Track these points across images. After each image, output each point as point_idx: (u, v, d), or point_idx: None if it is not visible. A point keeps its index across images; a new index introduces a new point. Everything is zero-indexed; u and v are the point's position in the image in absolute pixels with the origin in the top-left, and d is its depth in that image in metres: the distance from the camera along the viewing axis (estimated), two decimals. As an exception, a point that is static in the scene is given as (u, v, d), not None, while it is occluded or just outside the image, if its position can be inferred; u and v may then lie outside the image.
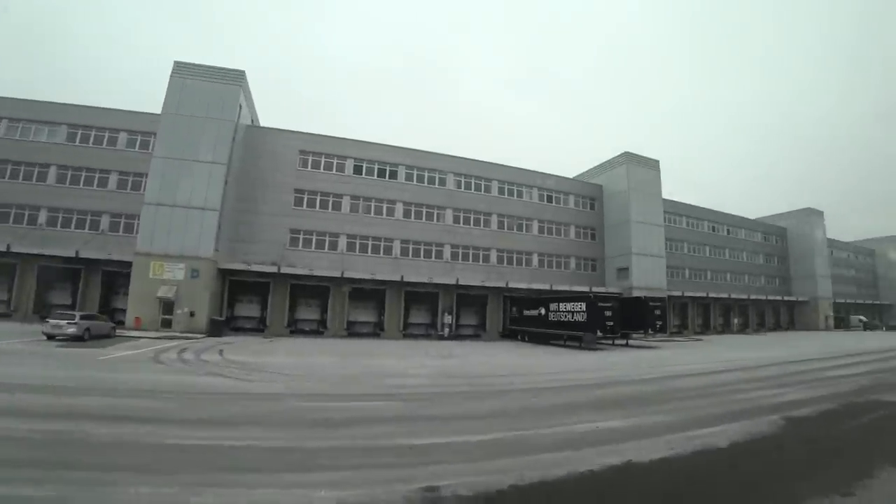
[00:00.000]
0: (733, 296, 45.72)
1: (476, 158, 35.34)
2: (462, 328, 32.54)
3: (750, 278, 52.05)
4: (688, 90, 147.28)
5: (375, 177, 32.50)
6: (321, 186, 31.23)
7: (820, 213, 58.47)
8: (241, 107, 28.79)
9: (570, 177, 40.77)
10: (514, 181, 36.17)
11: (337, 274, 28.91)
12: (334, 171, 31.79)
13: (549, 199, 37.61)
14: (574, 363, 16.71)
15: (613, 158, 39.10)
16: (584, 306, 23.30)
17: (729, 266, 49.72)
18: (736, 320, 47.59)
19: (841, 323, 56.77)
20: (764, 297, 49.89)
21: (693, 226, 46.58)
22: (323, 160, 31.72)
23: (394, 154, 33.11)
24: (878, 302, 69.46)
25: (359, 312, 30.97)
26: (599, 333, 22.92)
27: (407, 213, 32.68)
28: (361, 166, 32.37)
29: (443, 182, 33.93)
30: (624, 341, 27.14)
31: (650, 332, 26.20)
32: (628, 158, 37.93)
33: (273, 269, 28.09)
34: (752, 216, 56.53)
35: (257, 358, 15.97)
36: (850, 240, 72.14)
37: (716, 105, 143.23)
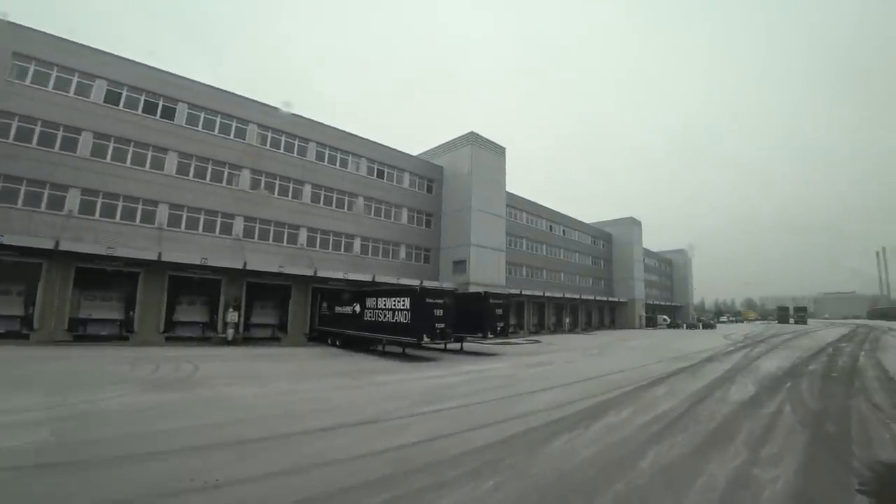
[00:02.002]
0: (567, 295, 45.00)
1: (289, 111, 27.58)
2: (255, 329, 24.82)
3: (580, 279, 53.02)
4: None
5: (140, 111, 22.99)
6: (48, 113, 20.85)
7: (639, 223, 63.23)
8: None
9: (410, 153, 34.93)
10: (337, 146, 29.32)
11: (51, 245, 19.04)
12: (72, 94, 21.58)
13: (381, 175, 31.57)
14: (380, 394, 10.72)
15: (458, 138, 34.74)
16: (407, 303, 17.68)
17: (563, 266, 49.75)
18: (567, 320, 47.39)
19: (650, 322, 61.95)
20: (592, 298, 50.85)
21: (533, 223, 45.05)
22: (55, 74, 21.29)
23: (173, 85, 23.95)
24: (673, 304, 79.73)
25: (94, 306, 21.40)
26: (427, 339, 17.37)
27: (183, 169, 23.77)
28: (120, 94, 22.62)
29: (241, 134, 25.67)
30: (458, 345, 22.42)
31: (490, 335, 21.50)
32: (474, 139, 33.85)
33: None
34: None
35: None
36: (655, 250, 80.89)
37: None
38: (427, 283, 26.96)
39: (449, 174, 34.76)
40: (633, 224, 62.73)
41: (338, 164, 29.20)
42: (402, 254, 31.96)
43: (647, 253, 71.75)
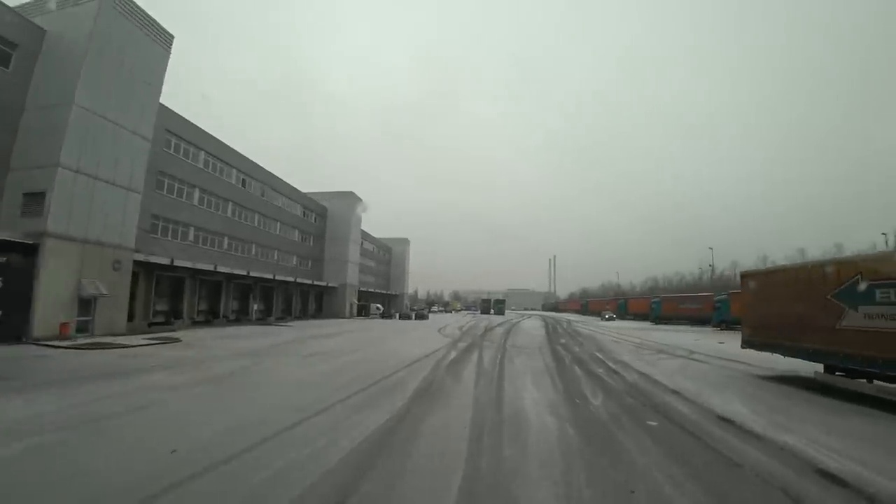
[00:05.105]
0: (257, 274, 34.79)
1: None
2: None
3: (282, 255, 43.59)
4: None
5: None
6: None
7: (360, 200, 58.27)
8: None
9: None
10: None
11: None
12: None
13: None
14: None
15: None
16: None
17: (259, 237, 39.42)
18: (256, 306, 37.38)
19: (362, 310, 57.41)
20: (293, 280, 41.92)
21: (217, 170, 33.24)
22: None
23: None
24: (389, 292, 78.57)
25: None
26: None
27: None
28: None
29: None
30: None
31: None
32: (106, -8, 20.42)
33: None
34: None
35: None
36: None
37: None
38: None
39: (55, 44, 20.31)
40: (353, 200, 57.00)
41: None
42: None
43: (367, 237, 67.61)
